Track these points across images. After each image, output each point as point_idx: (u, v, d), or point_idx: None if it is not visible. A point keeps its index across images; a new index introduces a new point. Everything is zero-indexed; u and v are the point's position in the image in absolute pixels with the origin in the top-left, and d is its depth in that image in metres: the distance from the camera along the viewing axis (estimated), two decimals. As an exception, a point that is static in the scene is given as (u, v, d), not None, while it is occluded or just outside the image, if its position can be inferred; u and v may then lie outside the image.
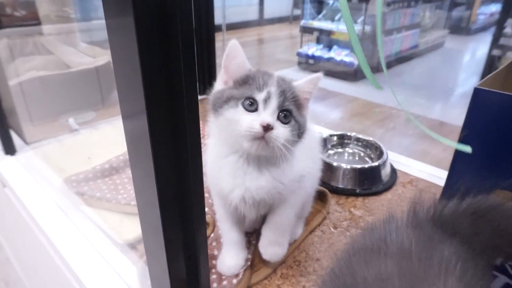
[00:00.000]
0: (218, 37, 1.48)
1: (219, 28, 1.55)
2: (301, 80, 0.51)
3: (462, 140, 0.50)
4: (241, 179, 0.50)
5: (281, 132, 0.46)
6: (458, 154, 0.52)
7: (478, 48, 4.88)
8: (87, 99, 1.21)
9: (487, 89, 0.47)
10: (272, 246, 0.56)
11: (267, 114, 0.46)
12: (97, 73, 1.25)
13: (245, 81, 0.49)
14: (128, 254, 0.62)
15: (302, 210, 0.64)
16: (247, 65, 0.50)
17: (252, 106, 0.46)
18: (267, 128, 0.45)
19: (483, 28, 5.38)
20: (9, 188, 0.83)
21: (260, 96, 0.47)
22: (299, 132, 0.49)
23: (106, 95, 1.28)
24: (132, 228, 0.65)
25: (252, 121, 0.45)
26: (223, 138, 0.51)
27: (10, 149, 0.90)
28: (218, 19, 1.41)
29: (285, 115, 0.47)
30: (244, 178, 0.50)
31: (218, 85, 0.51)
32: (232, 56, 0.49)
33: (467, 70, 4.26)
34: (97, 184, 0.75)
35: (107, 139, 0.97)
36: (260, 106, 0.47)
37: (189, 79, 0.31)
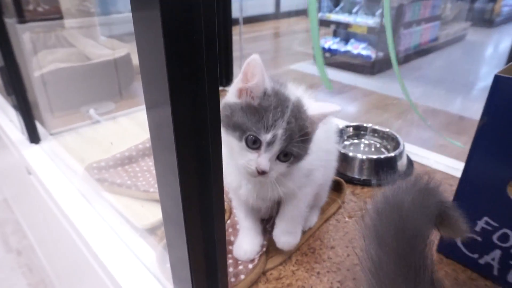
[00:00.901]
0: (235, 30, 1.49)
1: (236, 22, 1.56)
2: (318, 109, 0.48)
3: (480, 128, 0.50)
4: (246, 180, 0.52)
5: (275, 170, 0.47)
6: (476, 143, 0.51)
7: (502, 41, 4.74)
8: (107, 90, 1.24)
9: (509, 76, 0.46)
10: (284, 236, 0.58)
11: (265, 159, 0.46)
12: (116, 65, 1.27)
13: (257, 109, 0.46)
14: (147, 239, 0.64)
15: (317, 200, 0.65)
16: (266, 83, 0.46)
17: (255, 144, 0.46)
18: (262, 173, 0.46)
19: (507, 20, 5.21)
20: (34, 175, 0.86)
21: (265, 138, 0.45)
22: (299, 160, 0.49)
23: (125, 87, 1.31)
24: (151, 214, 0.67)
25: (250, 160, 0.46)
26: (230, 154, 0.50)
27: (34, 138, 0.93)
28: (234, 13, 1.41)
29: (285, 154, 0.47)
30: (248, 179, 0.51)
31: (232, 94, 0.48)
32: (250, 73, 0.46)
33: (490, 63, 4.15)
34: (117, 171, 0.77)
35: (126, 129, 1.00)
36: (263, 147, 0.46)
37: (211, 71, 0.32)
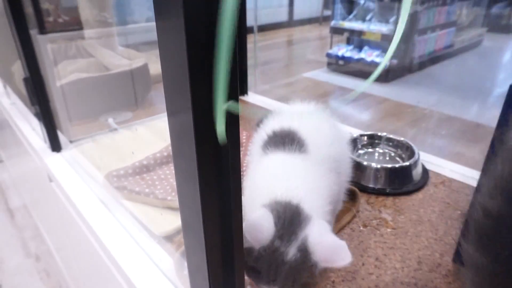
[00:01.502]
0: (249, 39, 1.51)
1: (250, 30, 1.58)
2: (327, 260, 0.46)
3: (496, 138, 0.50)
4: None
5: None
6: (492, 152, 0.51)
7: (519, 47, 4.66)
8: (125, 100, 1.27)
9: (523, 87, 0.46)
10: None
11: None
12: (134, 75, 1.31)
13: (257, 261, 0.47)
14: (164, 246, 0.66)
15: (334, 207, 0.66)
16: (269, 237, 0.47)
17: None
18: None
19: (525, 26, 5.12)
20: (56, 182, 0.89)
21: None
22: None
23: (142, 96, 1.34)
24: (168, 222, 0.69)
25: None
26: None
27: (56, 147, 0.96)
28: (249, 21, 1.44)
29: None
30: None
31: None
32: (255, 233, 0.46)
33: (507, 69, 4.08)
34: (136, 180, 0.79)
35: (144, 138, 1.02)
36: None
37: (232, 79, 0.33)
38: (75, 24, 1.62)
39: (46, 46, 1.36)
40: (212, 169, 0.36)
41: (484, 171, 0.53)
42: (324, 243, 0.47)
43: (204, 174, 0.36)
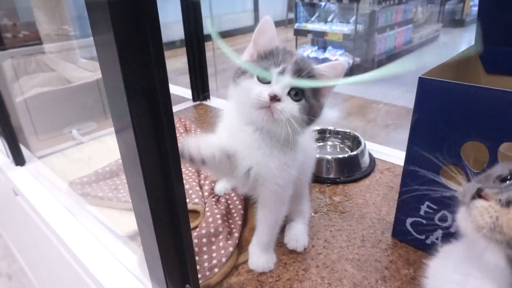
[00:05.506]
0: (210, 46, 1.55)
1: (210, 38, 1.63)
2: (323, 64, 0.51)
3: (414, 123, 0.57)
4: (255, 152, 0.52)
5: (288, 106, 0.48)
6: (412, 136, 0.58)
7: (473, 39, 4.93)
8: (89, 111, 1.29)
9: (430, 77, 0.54)
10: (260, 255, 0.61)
11: (277, 87, 0.48)
12: (98, 86, 1.33)
13: (266, 55, 0.50)
14: (129, 244, 0.69)
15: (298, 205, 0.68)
16: (276, 41, 0.51)
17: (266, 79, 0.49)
18: (274, 98, 0.47)
19: (477, 19, 5.42)
20: (21, 196, 0.91)
21: (275, 70, 0.48)
22: (310, 115, 0.50)
23: (106, 106, 1.36)
24: (131, 222, 0.72)
25: (262, 91, 0.48)
26: (239, 108, 0.53)
27: (20, 161, 0.98)
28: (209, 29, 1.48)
29: (296, 92, 0.48)
30: (257, 152, 0.52)
31: (244, 58, 0.53)
32: (262, 31, 0.51)
33: (463, 62, 4.30)
34: (99, 186, 0.82)
35: (108, 146, 1.05)
36: (274, 79, 0.48)
37: (163, 91, 0.38)
38: (35, 39, 1.62)
39: (6, 62, 1.36)
40: (156, 174, 0.42)
41: (408, 153, 0.60)
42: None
43: (150, 182, 0.41)
